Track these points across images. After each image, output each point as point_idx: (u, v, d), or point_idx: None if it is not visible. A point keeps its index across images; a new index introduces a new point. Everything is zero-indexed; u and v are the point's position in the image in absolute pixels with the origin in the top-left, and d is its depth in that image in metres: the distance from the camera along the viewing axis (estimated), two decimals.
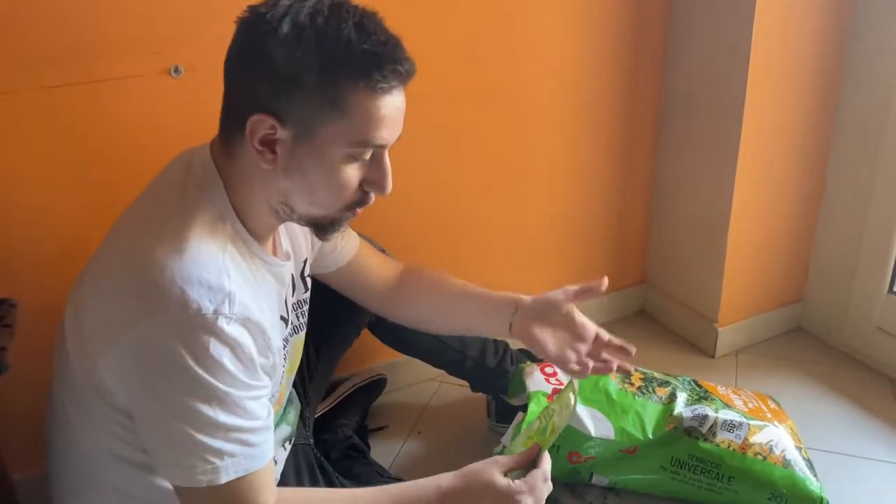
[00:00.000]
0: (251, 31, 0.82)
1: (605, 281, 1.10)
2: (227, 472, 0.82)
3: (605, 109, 1.78)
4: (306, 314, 1.14)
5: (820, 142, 1.77)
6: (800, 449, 1.38)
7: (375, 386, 1.67)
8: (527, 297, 1.17)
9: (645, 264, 2.06)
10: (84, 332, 0.86)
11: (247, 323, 0.82)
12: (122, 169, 1.28)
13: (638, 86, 1.80)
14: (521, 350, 1.58)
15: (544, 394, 1.39)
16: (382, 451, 1.55)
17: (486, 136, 1.65)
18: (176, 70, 1.26)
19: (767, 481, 1.32)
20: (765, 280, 1.88)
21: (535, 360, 1.62)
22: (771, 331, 1.95)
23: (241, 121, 0.82)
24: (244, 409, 0.83)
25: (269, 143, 0.83)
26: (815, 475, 1.35)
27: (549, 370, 1.44)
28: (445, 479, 0.96)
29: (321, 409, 1.57)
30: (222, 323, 0.79)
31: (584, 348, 1.14)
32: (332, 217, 0.92)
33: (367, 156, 0.87)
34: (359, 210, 0.93)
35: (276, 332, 0.94)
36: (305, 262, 1.12)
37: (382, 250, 1.33)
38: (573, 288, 1.13)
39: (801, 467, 1.34)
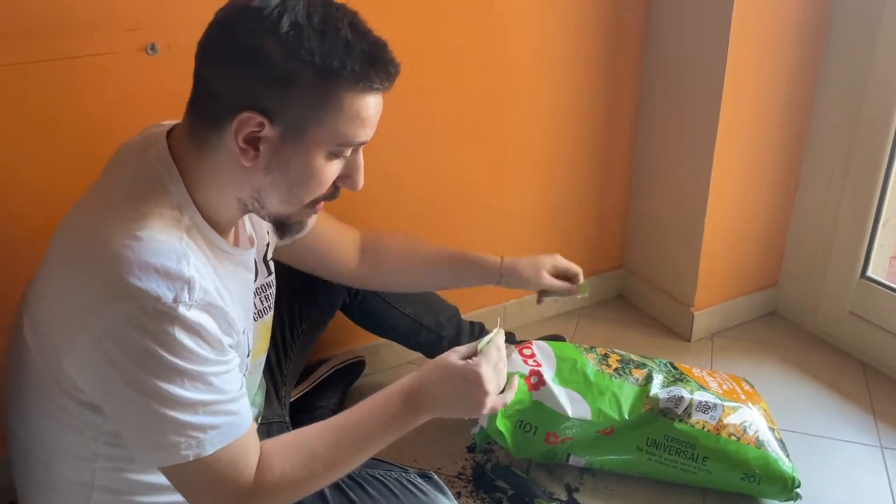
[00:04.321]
0: (243, 24, 0.79)
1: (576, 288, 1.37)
2: (213, 443, 0.82)
3: (584, 97, 1.79)
4: (271, 297, 1.13)
5: (796, 130, 1.79)
6: (773, 430, 1.40)
7: (354, 368, 1.67)
8: (535, 258, 1.37)
9: (623, 249, 2.07)
10: (42, 324, 0.85)
11: (208, 308, 0.81)
12: (97, 146, 1.25)
13: (617, 74, 1.80)
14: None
15: (522, 375, 1.39)
16: None
17: (466, 123, 1.65)
18: (152, 48, 1.24)
19: (741, 461, 1.34)
20: (740, 265, 1.90)
21: (513, 342, 1.63)
22: (746, 315, 1.98)
23: (223, 117, 0.81)
24: (219, 384, 0.83)
25: (252, 141, 0.82)
26: (788, 456, 1.37)
27: (526, 352, 1.44)
28: (405, 381, 0.97)
29: (299, 392, 1.57)
30: (183, 310, 0.78)
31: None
32: (298, 215, 0.92)
33: (348, 153, 0.87)
34: (321, 205, 0.93)
35: (239, 317, 0.93)
36: (268, 245, 1.11)
37: None
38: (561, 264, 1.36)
39: (773, 448, 1.36)
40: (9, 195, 1.24)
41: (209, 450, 0.82)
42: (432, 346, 1.52)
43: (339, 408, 1.60)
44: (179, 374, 0.79)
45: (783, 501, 1.36)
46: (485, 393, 0.95)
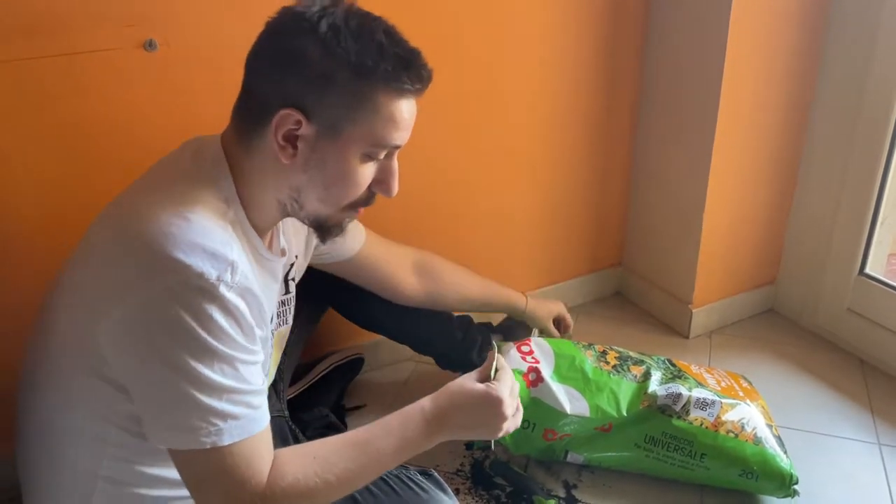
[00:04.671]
0: (287, 29, 0.85)
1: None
2: (231, 435, 0.83)
3: (584, 96, 1.78)
4: (288, 313, 1.15)
5: (794, 128, 1.79)
6: (770, 427, 1.40)
7: (353, 365, 1.67)
8: (550, 301, 1.66)
9: (621, 247, 2.07)
10: (79, 294, 0.86)
11: (246, 294, 0.84)
12: (94, 143, 1.27)
13: (617, 73, 1.80)
14: (482, 324, 1.61)
15: (520, 372, 1.39)
16: None
17: (465, 122, 1.65)
18: (150, 44, 1.24)
19: (739, 458, 1.34)
20: (738, 263, 1.90)
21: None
22: (744, 312, 1.98)
23: (264, 115, 0.85)
24: (245, 373, 0.84)
25: (291, 139, 0.86)
26: (786, 452, 1.37)
27: (525, 349, 1.44)
28: (426, 403, 0.99)
29: (298, 388, 1.57)
30: (224, 290, 0.80)
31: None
32: (337, 217, 0.95)
33: (382, 155, 0.91)
34: (360, 210, 0.97)
35: (270, 310, 0.97)
36: (292, 265, 1.13)
37: None
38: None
39: (771, 445, 1.36)
40: (5, 192, 1.23)
41: (226, 440, 0.82)
42: (424, 341, 1.55)
43: (339, 404, 1.61)
44: (210, 354, 0.81)
45: (781, 498, 1.37)
46: (503, 417, 0.98)
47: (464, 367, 1.54)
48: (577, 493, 1.41)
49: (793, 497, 1.35)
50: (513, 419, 1.01)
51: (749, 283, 1.95)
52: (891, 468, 1.46)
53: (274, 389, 1.29)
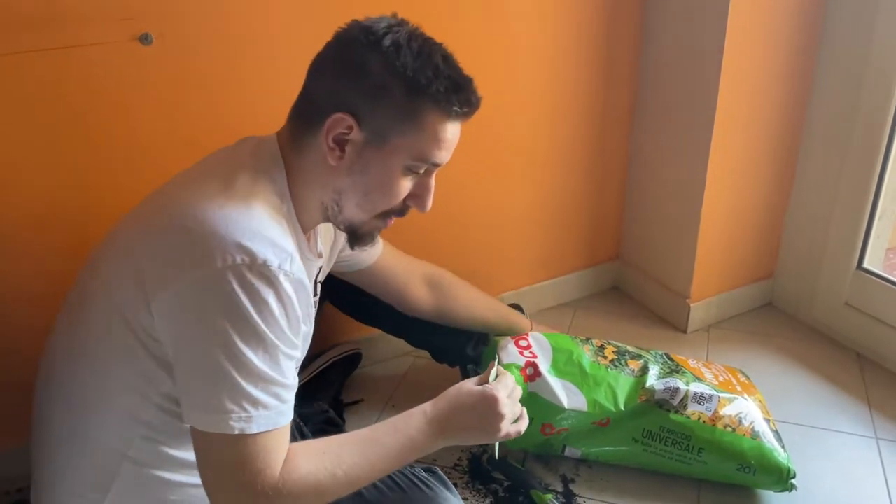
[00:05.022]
0: (354, 41, 0.90)
1: None
2: (259, 424, 0.84)
3: (580, 88, 1.78)
4: (312, 316, 1.15)
5: (792, 121, 1.78)
6: (768, 421, 1.40)
7: (351, 360, 1.67)
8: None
9: (619, 241, 2.07)
10: (130, 275, 0.87)
11: (299, 287, 0.88)
12: (89, 138, 1.26)
13: (614, 65, 1.80)
14: None
15: (517, 366, 1.39)
16: (358, 425, 1.51)
17: None
18: (146, 38, 1.24)
19: (736, 452, 1.34)
20: (737, 257, 1.90)
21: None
22: (742, 306, 1.98)
23: (319, 117, 0.90)
24: (283, 365, 0.87)
25: (340, 142, 0.91)
26: (783, 447, 1.37)
27: (522, 343, 1.44)
28: (429, 406, 1.02)
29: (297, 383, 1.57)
30: (283, 278, 0.84)
31: None
32: (370, 224, 0.99)
33: (422, 171, 0.95)
34: (392, 220, 1.00)
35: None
36: (320, 269, 1.14)
37: None
38: None
39: (769, 439, 1.36)
40: (13, 184, 1.23)
41: (254, 429, 0.84)
42: (419, 333, 1.54)
43: (337, 399, 1.60)
44: (257, 339, 0.83)
45: (778, 492, 1.37)
46: (500, 417, 1.01)
47: (459, 361, 1.55)
48: (574, 488, 1.41)
49: (790, 491, 1.35)
50: (514, 424, 1.04)
51: (747, 277, 1.95)
52: (888, 462, 1.46)
53: None
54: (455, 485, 1.40)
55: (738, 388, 1.45)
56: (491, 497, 1.39)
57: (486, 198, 1.77)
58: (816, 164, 1.80)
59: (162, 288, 0.84)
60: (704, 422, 1.36)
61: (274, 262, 0.83)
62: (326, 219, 0.99)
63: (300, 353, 0.93)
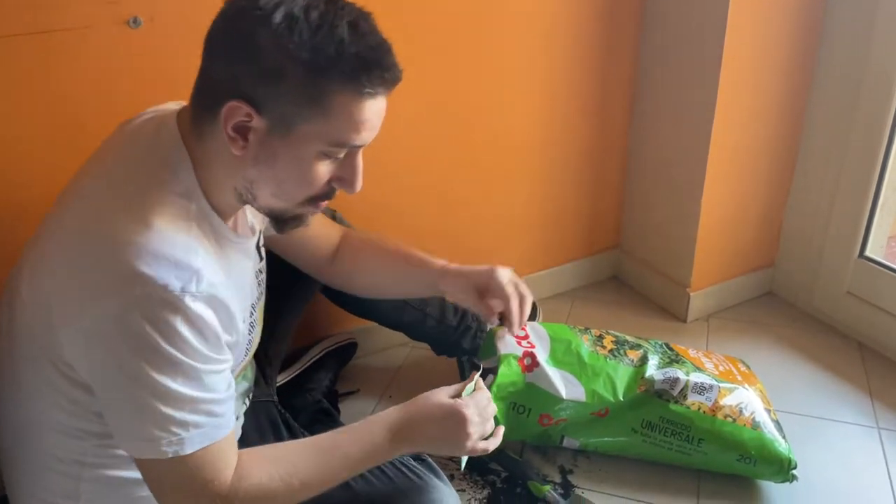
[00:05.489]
0: (241, 14, 0.79)
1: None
2: (193, 443, 0.83)
3: (579, 74, 1.75)
4: (264, 281, 1.13)
5: (794, 108, 1.76)
6: (769, 411, 1.39)
7: (346, 350, 1.65)
8: (469, 270, 1.22)
9: (618, 229, 2.05)
10: (43, 301, 0.84)
11: (212, 301, 0.82)
12: (77, 123, 1.24)
13: (613, 52, 1.77)
14: None
15: (515, 356, 1.37)
16: (353, 416, 1.52)
17: (459, 105, 1.62)
18: (135, 21, 1.21)
19: (736, 443, 1.33)
20: (737, 245, 1.88)
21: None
22: (742, 295, 1.96)
23: (216, 103, 0.80)
24: (209, 383, 0.83)
25: (241, 131, 0.81)
26: (784, 437, 1.36)
27: (520, 333, 1.42)
28: (392, 413, 0.98)
29: (290, 374, 1.55)
30: (189, 301, 0.79)
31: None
32: (294, 211, 0.91)
33: (342, 154, 0.86)
34: (322, 204, 0.92)
35: (243, 309, 0.95)
36: (260, 232, 1.10)
37: (344, 222, 1.32)
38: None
39: (769, 429, 1.35)
40: None
41: (188, 449, 0.82)
42: (417, 326, 1.51)
43: (331, 390, 1.59)
44: (173, 366, 0.79)
45: (779, 483, 1.35)
46: (467, 435, 0.97)
47: (457, 354, 1.53)
48: (572, 479, 1.40)
49: (791, 482, 1.33)
50: (482, 442, 1.00)
51: (747, 265, 1.93)
52: (890, 452, 1.45)
53: (262, 374, 1.27)
54: (451, 476, 1.38)
55: (739, 378, 1.43)
56: (488, 488, 1.37)
57: (484, 186, 1.75)
58: (818, 151, 1.78)
59: (67, 322, 0.81)
60: (704, 412, 1.34)
61: (176, 285, 0.78)
62: (245, 203, 0.90)
63: (231, 359, 0.89)
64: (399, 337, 1.62)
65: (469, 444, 0.98)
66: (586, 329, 1.49)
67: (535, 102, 1.73)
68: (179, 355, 0.79)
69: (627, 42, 1.79)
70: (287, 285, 1.35)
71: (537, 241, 1.91)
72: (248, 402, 1.18)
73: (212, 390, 0.84)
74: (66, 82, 1.20)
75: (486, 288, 1.19)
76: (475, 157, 1.70)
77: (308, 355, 1.59)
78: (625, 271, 2.06)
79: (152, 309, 0.77)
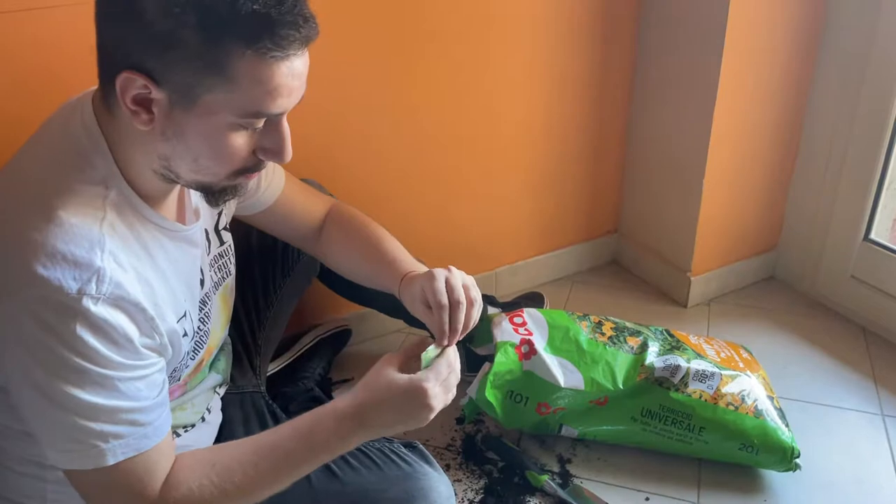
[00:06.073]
0: None
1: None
2: (115, 454, 0.77)
3: (578, 54, 1.72)
4: (229, 264, 1.06)
5: (798, 89, 1.73)
6: (772, 399, 1.36)
7: (340, 337, 1.62)
8: (418, 276, 1.03)
9: (618, 213, 2.02)
10: None
11: (119, 303, 0.74)
12: (41, 107, 1.19)
13: (612, 33, 1.74)
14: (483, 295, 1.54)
15: (512, 344, 1.34)
16: None
17: (458, 88, 1.59)
18: None
19: (739, 431, 1.30)
20: (739, 229, 1.85)
21: (495, 304, 1.59)
22: (744, 280, 1.93)
23: (112, 75, 0.72)
24: (128, 391, 0.77)
25: (143, 103, 0.73)
26: (787, 425, 1.33)
27: (517, 320, 1.40)
28: (340, 402, 0.88)
29: (283, 361, 1.53)
30: (88, 304, 0.72)
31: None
32: (223, 185, 0.82)
33: (260, 124, 0.77)
34: (252, 175, 0.84)
35: (182, 302, 0.88)
36: (221, 213, 1.03)
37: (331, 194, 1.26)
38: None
39: (772, 417, 1.32)
40: None
41: (110, 460, 0.77)
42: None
43: (325, 377, 1.56)
44: (79, 376, 0.73)
45: (782, 472, 1.33)
46: (430, 409, 0.87)
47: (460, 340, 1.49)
48: (571, 468, 1.37)
49: (794, 471, 1.31)
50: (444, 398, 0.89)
51: (749, 249, 1.90)
52: (894, 439, 1.43)
53: (250, 364, 1.24)
54: (448, 466, 1.36)
55: (741, 365, 1.41)
56: (485, 478, 1.35)
57: (483, 170, 1.72)
58: (822, 132, 1.74)
59: None
60: (706, 400, 1.32)
61: (72, 287, 0.71)
62: (174, 183, 0.83)
63: (159, 361, 0.82)
64: (394, 324, 1.60)
65: (432, 416, 0.88)
66: (585, 315, 1.46)
67: (534, 87, 1.70)
68: (85, 363, 0.73)
69: (627, 24, 1.75)
70: (280, 272, 1.32)
71: (536, 224, 1.89)
72: (220, 393, 1.12)
73: (133, 399, 0.77)
74: (53, 63, 1.16)
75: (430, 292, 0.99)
76: (474, 141, 1.67)
77: (300, 343, 1.56)
78: (624, 256, 2.03)
79: (48, 314, 0.71)
